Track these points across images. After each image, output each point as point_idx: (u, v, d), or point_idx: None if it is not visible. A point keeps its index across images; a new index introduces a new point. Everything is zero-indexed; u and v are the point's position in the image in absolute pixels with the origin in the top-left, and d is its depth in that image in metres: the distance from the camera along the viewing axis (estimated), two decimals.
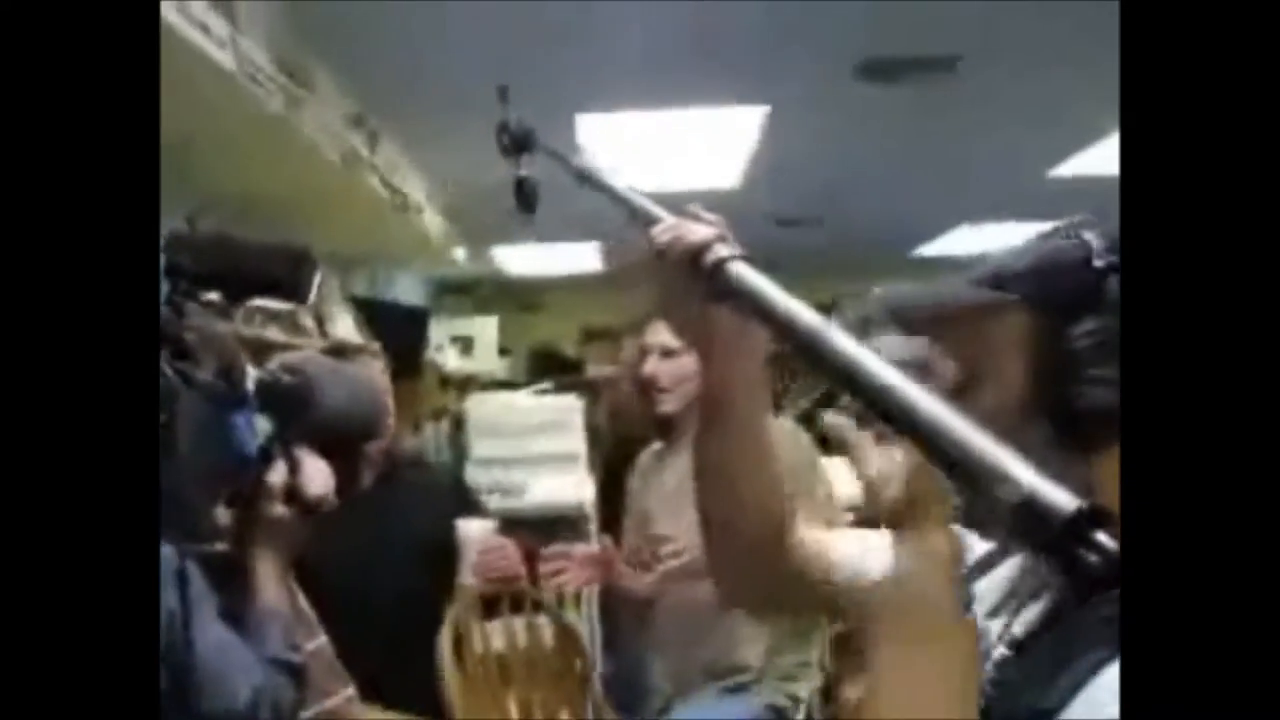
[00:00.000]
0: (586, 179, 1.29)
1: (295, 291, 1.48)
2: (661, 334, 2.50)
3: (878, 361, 0.77)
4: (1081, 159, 4.93)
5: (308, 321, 2.29)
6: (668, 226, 1.06)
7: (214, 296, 1.48)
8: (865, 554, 1.24)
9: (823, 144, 4.51)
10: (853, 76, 3.67)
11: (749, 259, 1.00)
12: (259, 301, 1.53)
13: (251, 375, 1.44)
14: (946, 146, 4.82)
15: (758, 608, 1.36)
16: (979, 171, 5.32)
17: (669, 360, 2.50)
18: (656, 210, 1.13)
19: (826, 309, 0.89)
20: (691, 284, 1.03)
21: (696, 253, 1.02)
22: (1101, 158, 4.86)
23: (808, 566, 1.23)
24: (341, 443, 1.59)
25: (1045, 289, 0.87)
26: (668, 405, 2.53)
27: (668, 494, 2.54)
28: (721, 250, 1.01)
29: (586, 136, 4.10)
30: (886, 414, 0.73)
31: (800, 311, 0.88)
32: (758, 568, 1.21)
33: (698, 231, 1.03)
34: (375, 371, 2.28)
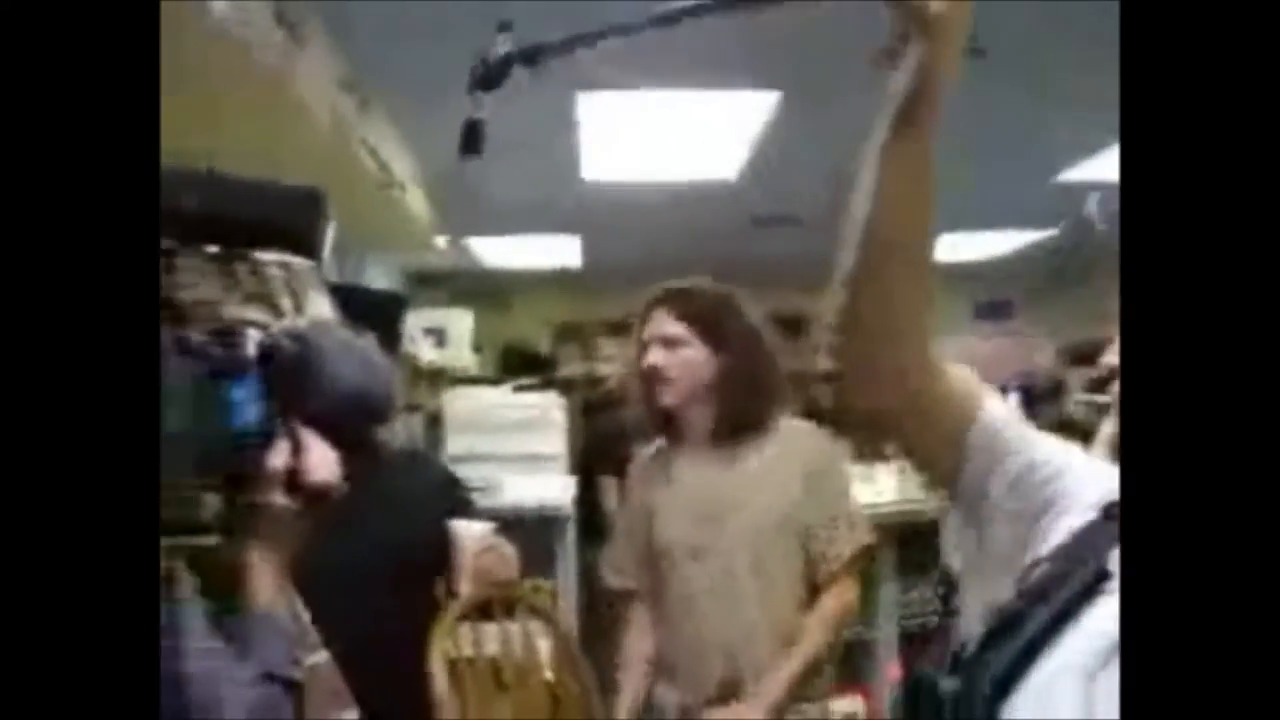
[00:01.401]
0: (652, 21, 1.16)
1: (307, 244, 1.27)
2: (664, 324, 2.34)
3: None
4: (1092, 164, 4.78)
5: (285, 301, 2.06)
6: None
7: (212, 248, 1.28)
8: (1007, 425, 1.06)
9: (831, 137, 4.32)
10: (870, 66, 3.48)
11: None
12: (264, 255, 1.31)
13: (253, 340, 1.23)
14: (954, 143, 4.63)
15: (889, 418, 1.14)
16: (980, 175, 5.15)
17: (672, 350, 2.33)
18: None
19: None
20: None
21: None
22: (1111, 163, 4.71)
23: (958, 400, 1.05)
24: (349, 425, 1.39)
25: None
26: (668, 397, 2.34)
27: (680, 506, 2.35)
28: None
29: (586, 113, 3.90)
30: None
31: None
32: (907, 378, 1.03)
33: None
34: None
